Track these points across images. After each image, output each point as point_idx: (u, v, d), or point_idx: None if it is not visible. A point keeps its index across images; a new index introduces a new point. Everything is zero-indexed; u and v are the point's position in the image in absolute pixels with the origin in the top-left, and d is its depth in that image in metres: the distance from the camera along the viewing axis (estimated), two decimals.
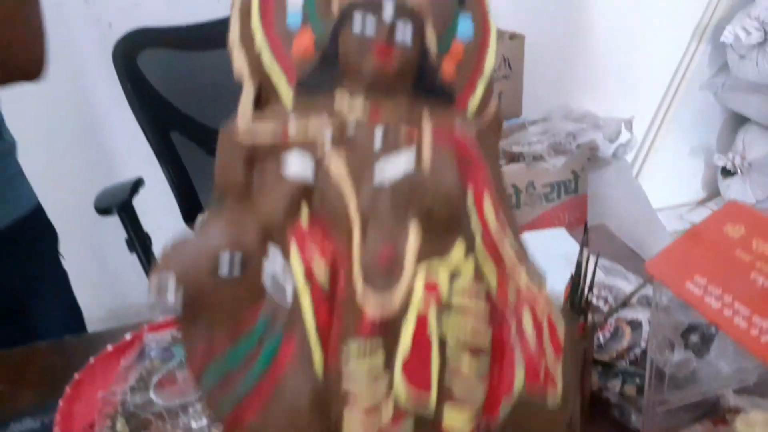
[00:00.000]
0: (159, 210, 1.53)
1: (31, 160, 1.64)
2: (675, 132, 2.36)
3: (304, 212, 0.27)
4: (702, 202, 2.44)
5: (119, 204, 1.31)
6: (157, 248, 1.40)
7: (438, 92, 0.30)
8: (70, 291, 1.06)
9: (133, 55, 1.42)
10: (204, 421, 0.63)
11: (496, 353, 0.26)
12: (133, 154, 1.62)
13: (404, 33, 0.27)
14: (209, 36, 1.49)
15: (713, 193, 2.45)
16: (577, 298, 0.61)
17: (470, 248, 0.28)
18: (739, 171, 2.25)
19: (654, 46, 2.23)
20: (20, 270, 0.94)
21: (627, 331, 0.71)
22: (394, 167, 0.27)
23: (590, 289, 0.61)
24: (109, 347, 0.79)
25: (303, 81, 0.30)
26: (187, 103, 1.54)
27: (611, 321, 0.72)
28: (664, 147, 2.36)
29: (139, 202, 1.38)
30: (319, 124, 0.29)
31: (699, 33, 2.27)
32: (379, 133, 0.28)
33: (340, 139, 0.28)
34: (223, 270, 0.26)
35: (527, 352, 0.26)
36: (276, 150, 0.29)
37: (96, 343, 0.82)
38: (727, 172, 2.33)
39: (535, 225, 1.60)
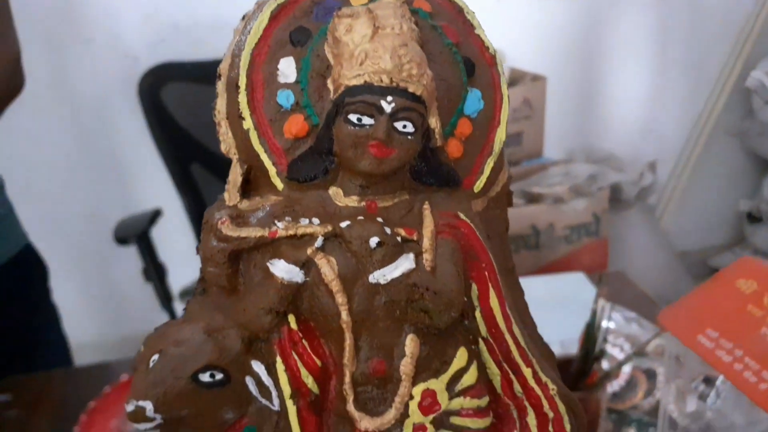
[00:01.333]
0: (176, 240, 1.57)
1: (50, 190, 1.71)
2: (700, 176, 2.38)
3: (292, 317, 0.27)
4: (728, 248, 2.44)
5: (137, 234, 1.35)
6: (173, 277, 1.44)
7: (442, 178, 0.29)
8: (58, 325, 1.08)
9: (158, 88, 1.48)
10: None
11: None
12: (153, 185, 1.67)
13: (405, 124, 0.26)
14: None
15: (738, 238, 2.45)
16: (591, 346, 0.63)
17: (474, 347, 0.28)
18: (764, 217, 2.25)
19: (678, 89, 2.26)
20: (11, 307, 0.95)
21: (642, 380, 0.72)
22: (391, 270, 0.27)
23: (604, 338, 0.62)
24: (124, 376, 0.82)
25: (294, 169, 0.29)
26: (208, 136, 1.59)
27: (627, 370, 0.73)
28: (688, 191, 2.37)
29: (156, 231, 1.43)
30: (310, 227, 0.28)
31: (724, 77, 2.30)
32: (374, 237, 0.27)
33: (332, 239, 0.27)
34: (205, 380, 0.26)
35: None
36: (264, 247, 0.28)
37: (111, 372, 0.85)
38: (752, 218, 2.33)
39: (555, 267, 1.61)
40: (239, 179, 0.30)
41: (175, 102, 1.53)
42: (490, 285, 0.28)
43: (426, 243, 0.27)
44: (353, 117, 0.27)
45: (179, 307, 1.44)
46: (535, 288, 1.06)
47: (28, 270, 1.01)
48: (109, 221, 1.40)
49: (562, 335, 0.77)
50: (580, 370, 0.65)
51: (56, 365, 0.98)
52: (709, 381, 0.63)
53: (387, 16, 0.27)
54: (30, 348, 0.99)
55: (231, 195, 0.30)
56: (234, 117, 0.29)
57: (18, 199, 1.01)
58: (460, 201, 0.29)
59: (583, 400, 0.64)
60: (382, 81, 0.26)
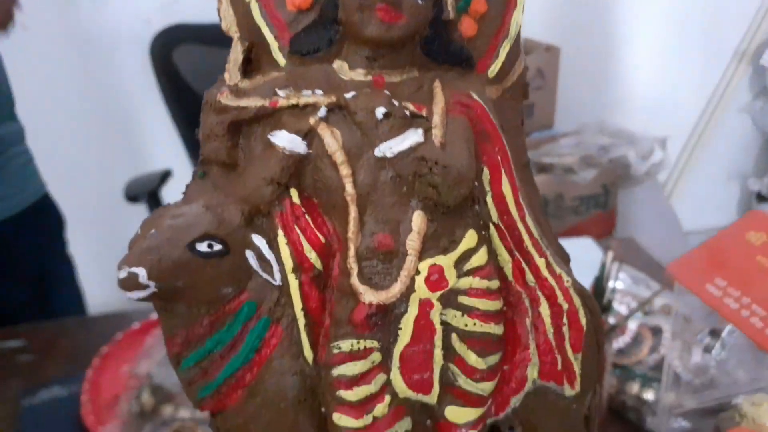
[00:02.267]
0: None
1: (64, 147, 1.72)
2: (710, 154, 2.36)
3: (294, 191, 0.25)
4: None
5: (147, 193, 1.36)
6: None
7: (454, 55, 0.27)
8: (73, 275, 1.10)
9: (169, 50, 1.48)
10: None
11: (509, 347, 0.25)
12: (164, 147, 1.67)
13: None
14: None
15: None
16: (598, 300, 0.64)
17: (484, 232, 0.27)
18: None
19: (692, 66, 2.24)
20: (29, 255, 0.97)
21: (648, 337, 0.73)
22: (398, 142, 0.25)
23: (612, 292, 0.63)
24: (136, 324, 0.83)
25: (297, 42, 0.27)
26: None
27: (633, 327, 0.74)
28: (698, 168, 2.36)
29: (166, 194, 1.44)
30: (313, 97, 0.26)
31: (739, 55, 2.27)
32: (380, 108, 0.25)
33: (337, 109, 0.26)
34: (202, 250, 0.24)
35: (543, 347, 0.25)
36: (264, 119, 0.26)
37: (122, 321, 0.86)
38: (762, 198, 2.32)
39: (562, 238, 1.62)
40: (240, 57, 0.29)
41: (186, 64, 1.53)
42: (502, 169, 0.26)
43: (436, 119, 0.25)
44: None
45: None
46: None
47: (46, 219, 1.02)
48: (120, 180, 1.41)
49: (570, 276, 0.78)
50: None
51: (71, 315, 1.00)
52: (714, 333, 0.64)
53: None
54: (45, 296, 1.01)
55: (231, 74, 0.29)
56: None
57: (35, 150, 1.03)
58: (472, 83, 0.28)
59: None
60: None
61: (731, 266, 0.55)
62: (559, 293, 0.27)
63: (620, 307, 0.77)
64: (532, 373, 0.25)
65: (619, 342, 0.73)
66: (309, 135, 0.25)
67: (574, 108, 2.02)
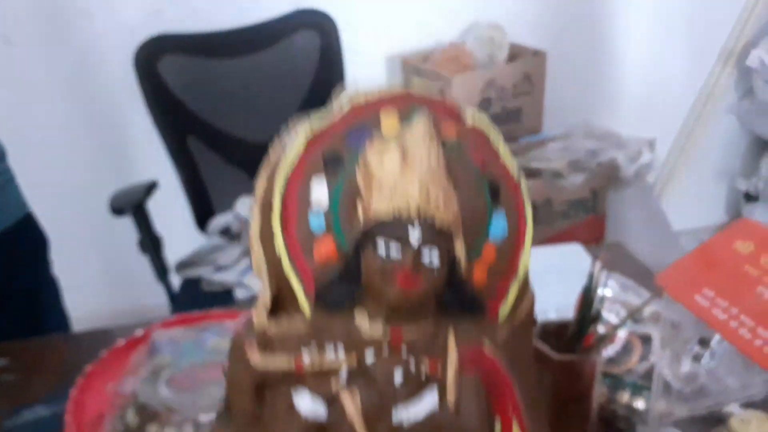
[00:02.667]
0: (171, 212, 1.56)
1: (47, 161, 1.70)
2: (698, 154, 2.37)
3: None
4: (725, 227, 2.44)
5: (133, 205, 1.35)
6: (169, 249, 1.44)
7: (467, 304, 0.28)
8: (58, 296, 1.08)
9: (154, 60, 1.47)
10: (213, 415, 0.66)
11: None
12: (150, 158, 1.66)
13: (431, 255, 0.27)
14: (229, 44, 1.54)
15: (736, 217, 2.46)
16: (587, 309, 0.63)
17: None
18: (761, 196, 2.26)
19: (678, 67, 2.25)
20: (11, 277, 0.95)
21: (638, 345, 0.72)
22: (415, 409, 0.27)
23: (601, 302, 0.63)
24: (121, 342, 0.82)
25: (322, 295, 0.29)
26: (204, 109, 1.58)
27: (622, 335, 0.73)
28: (686, 169, 2.37)
29: (152, 205, 1.42)
30: (335, 359, 0.28)
31: (724, 56, 2.29)
32: (398, 372, 0.27)
33: (357, 372, 0.27)
34: None
35: None
36: (290, 377, 0.28)
37: (107, 338, 0.85)
38: (749, 197, 2.33)
39: (552, 243, 1.62)
40: (268, 301, 0.31)
41: (171, 74, 1.51)
42: (514, 419, 0.29)
43: (450, 380, 0.27)
44: (381, 248, 0.27)
45: (175, 279, 1.44)
46: (532, 259, 1.06)
47: (28, 239, 1.00)
48: (105, 193, 1.40)
49: (558, 303, 0.78)
50: (576, 333, 0.65)
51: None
52: (703, 342, 0.63)
53: (416, 147, 0.27)
54: (30, 318, 0.99)
55: (259, 317, 0.30)
56: (266, 238, 0.30)
57: (16, 169, 1.01)
58: (485, 329, 0.29)
59: (578, 363, 0.64)
60: (410, 213, 0.27)
61: (719, 276, 0.54)
62: None
63: (609, 315, 0.77)
64: None
65: (609, 351, 0.73)
66: (330, 401, 0.27)
67: (562, 111, 2.03)
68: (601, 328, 0.69)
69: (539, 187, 1.60)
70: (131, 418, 0.66)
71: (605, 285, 0.75)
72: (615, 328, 0.64)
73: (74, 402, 0.72)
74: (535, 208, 1.65)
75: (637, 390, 0.69)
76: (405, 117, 0.28)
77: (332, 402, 0.27)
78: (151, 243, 1.38)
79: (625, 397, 0.69)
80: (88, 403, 0.73)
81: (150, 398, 0.68)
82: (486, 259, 0.28)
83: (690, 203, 2.36)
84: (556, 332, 0.69)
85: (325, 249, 0.27)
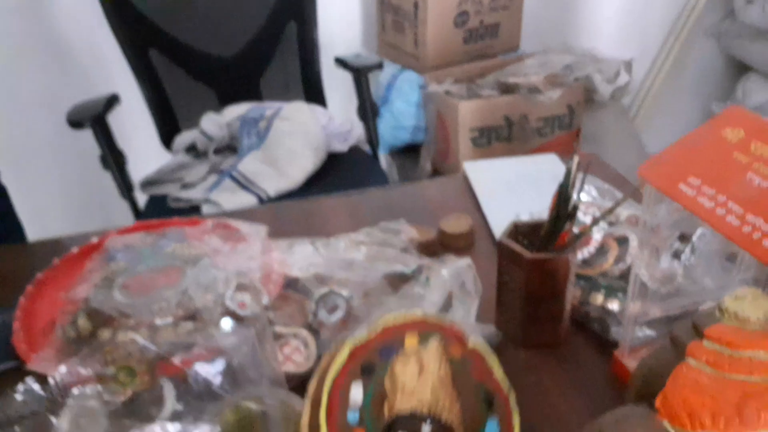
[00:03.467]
0: (136, 130, 1.48)
1: (4, 72, 1.59)
2: (675, 77, 2.32)
3: None
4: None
5: (92, 118, 1.26)
6: (133, 167, 1.37)
7: None
8: (9, 205, 1.01)
9: None
10: (169, 319, 0.61)
11: None
12: (111, 72, 1.56)
13: None
14: None
15: None
16: (563, 207, 0.59)
17: None
18: None
19: None
20: None
21: (613, 247, 0.69)
22: None
23: (578, 193, 0.58)
24: (75, 249, 0.77)
25: None
26: (166, 21, 1.48)
27: (598, 237, 0.70)
28: (662, 92, 2.32)
29: (115, 121, 1.34)
30: None
31: None
32: None
33: None
34: None
35: None
36: None
37: (62, 247, 0.80)
38: None
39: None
40: None
41: None
42: None
43: None
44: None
45: (141, 197, 1.37)
46: (507, 169, 1.02)
47: None
48: (65, 108, 1.31)
49: (531, 210, 0.74)
50: (550, 232, 0.61)
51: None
52: (684, 238, 0.60)
53: (430, 360, 0.35)
54: None
55: None
56: (313, 427, 0.35)
57: None
58: None
59: (552, 261, 0.61)
60: (423, 411, 0.33)
61: (706, 164, 0.50)
62: None
63: (585, 218, 0.74)
64: None
65: (584, 252, 0.70)
66: None
67: (540, 30, 1.95)
68: (575, 229, 0.65)
69: (516, 103, 1.54)
70: (83, 323, 0.62)
71: (581, 189, 0.71)
72: (592, 223, 0.60)
73: (23, 310, 0.68)
74: (510, 124, 1.61)
75: (612, 292, 0.66)
76: (423, 338, 0.36)
77: None
78: (113, 159, 1.31)
79: (598, 298, 0.67)
80: (39, 311, 0.68)
81: (102, 304, 0.63)
82: None
83: (665, 126, 2.32)
84: (528, 232, 0.65)
85: None
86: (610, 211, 0.60)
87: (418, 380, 0.33)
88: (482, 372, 0.35)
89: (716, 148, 0.51)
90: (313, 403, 0.33)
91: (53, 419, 0.51)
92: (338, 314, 0.64)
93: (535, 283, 0.61)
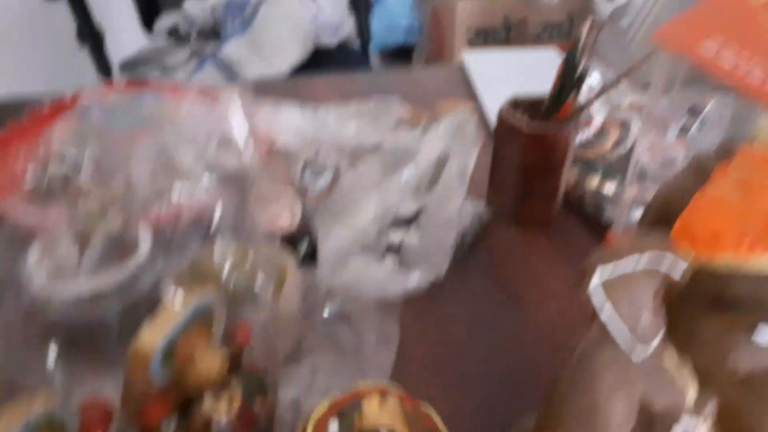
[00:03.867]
0: (116, 9, 1.39)
1: None
2: (676, 3, 2.25)
3: None
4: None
5: None
6: (112, 49, 1.29)
7: None
8: None
9: None
10: (147, 172, 0.58)
11: None
12: None
13: None
14: None
15: None
16: (569, 73, 0.56)
17: None
18: None
19: None
20: None
21: (614, 130, 0.66)
22: None
23: (587, 60, 0.55)
24: (45, 107, 0.71)
25: None
26: None
27: (599, 120, 0.67)
28: (662, 15, 2.25)
29: (96, 2, 1.25)
30: None
31: None
32: None
33: None
34: None
35: None
36: None
37: (31, 107, 0.74)
38: None
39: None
40: None
41: None
42: None
43: None
44: None
45: (119, 79, 1.30)
46: (507, 61, 0.97)
47: None
48: None
49: None
50: (552, 104, 0.58)
51: None
52: (694, 111, 0.57)
53: (390, 405, 0.38)
54: None
55: None
56: None
57: None
58: None
59: (552, 134, 0.58)
60: (384, 427, 0.36)
61: (728, 26, 0.47)
62: None
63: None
64: None
65: (583, 135, 0.67)
66: None
67: None
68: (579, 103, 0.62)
69: (516, 5, 1.47)
70: (54, 171, 0.58)
71: (591, 56, 0.67)
72: (600, 92, 0.57)
73: None
74: (508, 27, 1.54)
75: (608, 175, 0.64)
76: (383, 396, 0.38)
77: None
78: (90, 34, 1.23)
79: (594, 182, 0.64)
80: (4, 164, 0.64)
81: (76, 155, 0.59)
82: None
83: None
84: (528, 107, 0.62)
85: None
86: (626, 75, 0.56)
87: (380, 413, 0.36)
88: (432, 426, 0.38)
89: (738, 12, 0.47)
90: None
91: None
92: (325, 180, 0.61)
93: (532, 157, 0.58)
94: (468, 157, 0.55)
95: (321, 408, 0.38)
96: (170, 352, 0.33)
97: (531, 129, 0.57)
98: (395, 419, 0.37)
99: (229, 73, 1.22)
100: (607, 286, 0.30)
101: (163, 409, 0.34)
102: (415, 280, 0.53)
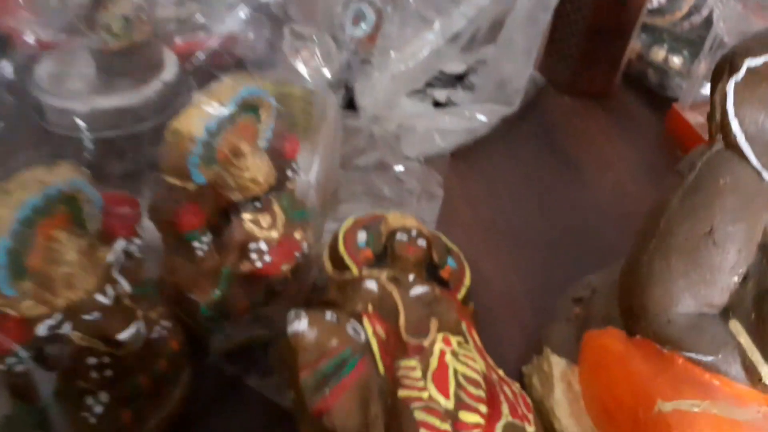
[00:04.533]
0: None
1: None
2: None
3: (370, 306, 0.35)
4: None
5: None
6: None
7: (440, 281, 0.38)
8: None
9: None
10: None
11: (489, 397, 0.32)
12: None
13: (422, 242, 0.38)
14: None
15: None
16: None
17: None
18: None
19: None
20: None
21: None
22: (419, 290, 0.35)
23: None
24: None
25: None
26: None
27: None
28: None
29: None
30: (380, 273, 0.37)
31: None
32: (411, 277, 0.36)
33: (393, 279, 0.36)
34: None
35: (509, 402, 0.32)
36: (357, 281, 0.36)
37: None
38: None
39: None
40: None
41: None
42: (472, 329, 0.35)
43: (436, 291, 0.36)
44: (401, 236, 0.40)
45: None
46: None
47: None
48: None
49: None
50: None
51: None
52: None
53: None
54: None
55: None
56: (334, 251, 0.39)
57: None
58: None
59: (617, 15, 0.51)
60: (411, 227, 0.40)
61: None
62: (514, 387, 0.33)
63: None
64: (505, 411, 0.31)
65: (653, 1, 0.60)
66: (379, 286, 0.36)
67: None
68: None
69: None
70: None
71: None
72: None
73: None
74: None
75: (676, 47, 0.58)
76: None
77: (380, 286, 0.36)
78: None
79: (660, 54, 0.58)
80: None
81: None
82: (447, 269, 0.39)
83: None
84: None
85: (366, 253, 0.38)
86: None
87: (404, 219, 0.40)
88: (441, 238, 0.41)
89: None
90: (333, 245, 0.39)
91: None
92: (366, 26, 0.55)
93: (603, 13, 0.52)
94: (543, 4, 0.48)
95: (347, 223, 0.40)
96: (212, 144, 0.29)
97: None
98: (419, 224, 0.39)
99: None
100: (739, 94, 0.25)
101: (198, 217, 0.30)
102: (484, 115, 0.48)
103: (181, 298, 0.32)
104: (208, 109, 0.28)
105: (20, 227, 0.25)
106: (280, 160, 0.32)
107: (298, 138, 0.34)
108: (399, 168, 0.45)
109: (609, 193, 0.48)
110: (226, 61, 0.48)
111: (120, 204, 0.29)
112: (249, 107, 0.30)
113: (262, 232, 0.32)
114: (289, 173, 0.33)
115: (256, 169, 0.30)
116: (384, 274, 0.36)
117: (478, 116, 0.49)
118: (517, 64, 0.50)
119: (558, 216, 0.46)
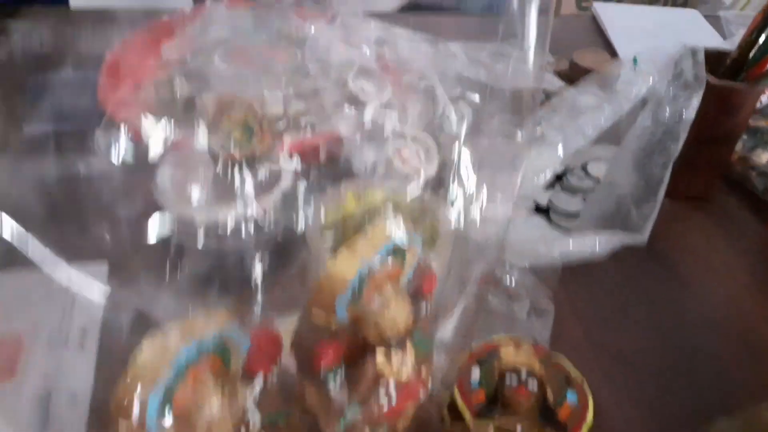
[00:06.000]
0: None
1: None
2: None
3: None
4: None
5: None
6: None
7: (557, 425, 0.36)
8: None
9: None
10: (280, 95, 0.52)
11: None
12: None
13: (533, 385, 0.37)
14: None
15: None
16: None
17: None
18: None
19: None
20: None
21: None
22: None
23: None
24: (165, 17, 0.66)
25: (477, 413, 0.37)
26: None
27: None
28: None
29: None
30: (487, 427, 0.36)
31: None
32: (519, 429, 0.36)
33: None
34: None
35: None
36: None
37: (148, 17, 0.69)
38: None
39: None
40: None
41: None
42: None
43: None
44: (510, 380, 0.38)
45: None
46: (643, 16, 0.87)
47: None
48: None
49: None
50: (738, 59, 0.50)
51: None
52: None
53: (523, 350, 0.40)
54: None
55: None
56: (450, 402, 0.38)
57: None
58: None
59: (740, 91, 0.49)
60: (521, 366, 0.39)
61: None
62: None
63: None
64: None
65: (760, 101, 0.58)
66: None
67: None
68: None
69: None
70: (180, 84, 0.52)
71: None
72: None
73: (109, 67, 0.59)
74: None
75: None
76: (516, 344, 0.40)
77: None
78: None
79: (764, 157, 0.56)
80: (126, 70, 0.59)
81: (202, 67, 0.54)
82: (565, 408, 0.37)
83: None
84: (711, 58, 0.53)
85: (479, 395, 0.37)
86: None
87: (517, 356, 0.39)
88: (564, 370, 0.39)
89: None
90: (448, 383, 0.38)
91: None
92: (465, 123, 0.55)
93: (710, 118, 0.50)
94: (685, 102, 0.46)
95: (462, 357, 0.39)
96: (361, 287, 0.28)
97: (719, 83, 0.49)
98: (532, 361, 0.38)
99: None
100: None
101: (337, 354, 0.29)
102: (606, 244, 0.46)
103: (311, 425, 0.31)
104: (363, 255, 0.28)
105: (176, 372, 0.25)
106: (418, 297, 0.31)
107: (435, 274, 0.33)
108: (507, 280, 0.44)
109: (722, 309, 0.46)
110: (334, 163, 0.48)
111: (264, 341, 0.29)
112: (397, 251, 0.30)
113: (393, 372, 0.31)
114: (424, 310, 0.32)
115: (397, 313, 0.29)
116: (491, 427, 0.36)
117: (601, 245, 0.47)
118: (640, 190, 0.48)
119: (670, 335, 0.44)
